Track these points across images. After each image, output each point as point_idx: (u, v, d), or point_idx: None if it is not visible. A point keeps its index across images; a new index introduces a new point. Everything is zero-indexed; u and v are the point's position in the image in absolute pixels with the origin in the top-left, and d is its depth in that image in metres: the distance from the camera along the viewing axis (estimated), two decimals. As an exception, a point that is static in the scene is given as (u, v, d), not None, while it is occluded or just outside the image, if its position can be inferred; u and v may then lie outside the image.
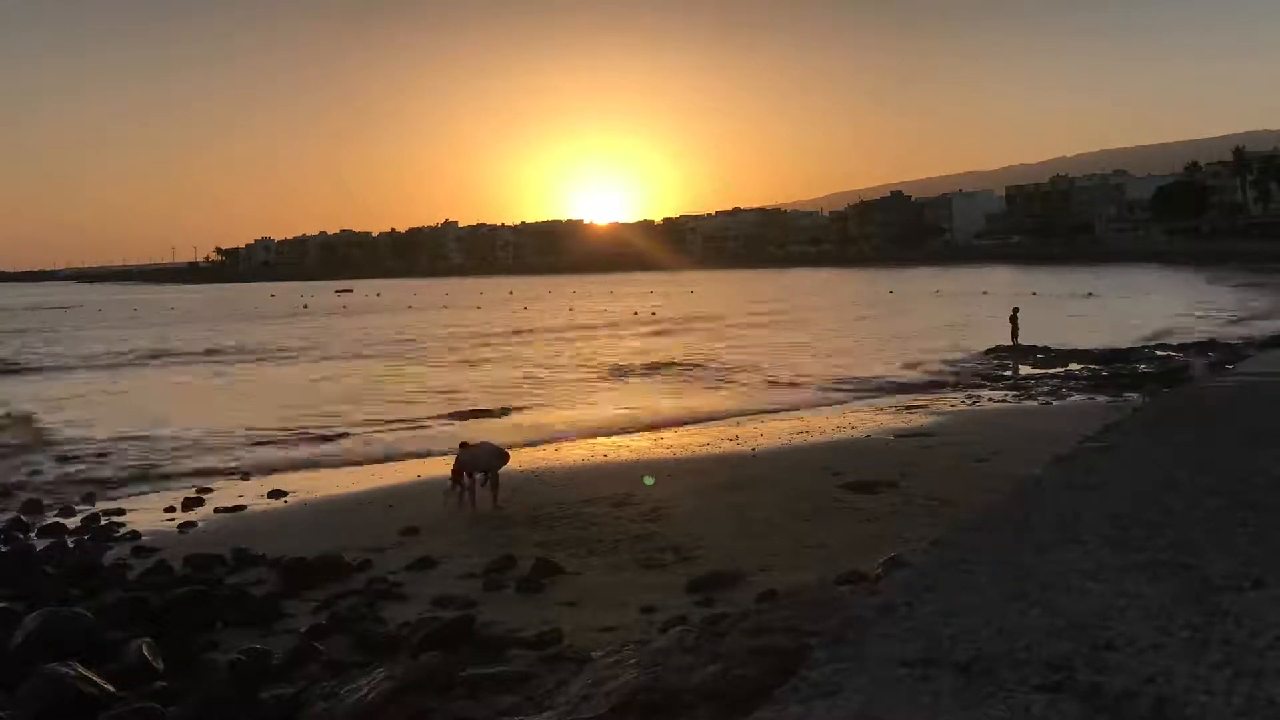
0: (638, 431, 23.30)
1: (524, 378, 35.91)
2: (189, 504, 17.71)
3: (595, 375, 36.28)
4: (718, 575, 11.33)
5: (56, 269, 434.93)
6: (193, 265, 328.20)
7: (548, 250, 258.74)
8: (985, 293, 72.08)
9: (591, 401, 29.67)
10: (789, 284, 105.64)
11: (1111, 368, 31.12)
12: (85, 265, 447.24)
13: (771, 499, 14.98)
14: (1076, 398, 25.74)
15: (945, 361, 35.22)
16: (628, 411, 26.70)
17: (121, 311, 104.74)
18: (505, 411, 27.74)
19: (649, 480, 16.97)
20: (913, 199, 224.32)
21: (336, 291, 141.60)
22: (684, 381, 33.79)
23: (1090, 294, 68.93)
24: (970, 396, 26.73)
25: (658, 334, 55.07)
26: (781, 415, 25.06)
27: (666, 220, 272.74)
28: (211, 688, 8.50)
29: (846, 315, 53.53)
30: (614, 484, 16.61)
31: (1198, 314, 51.60)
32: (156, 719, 8.17)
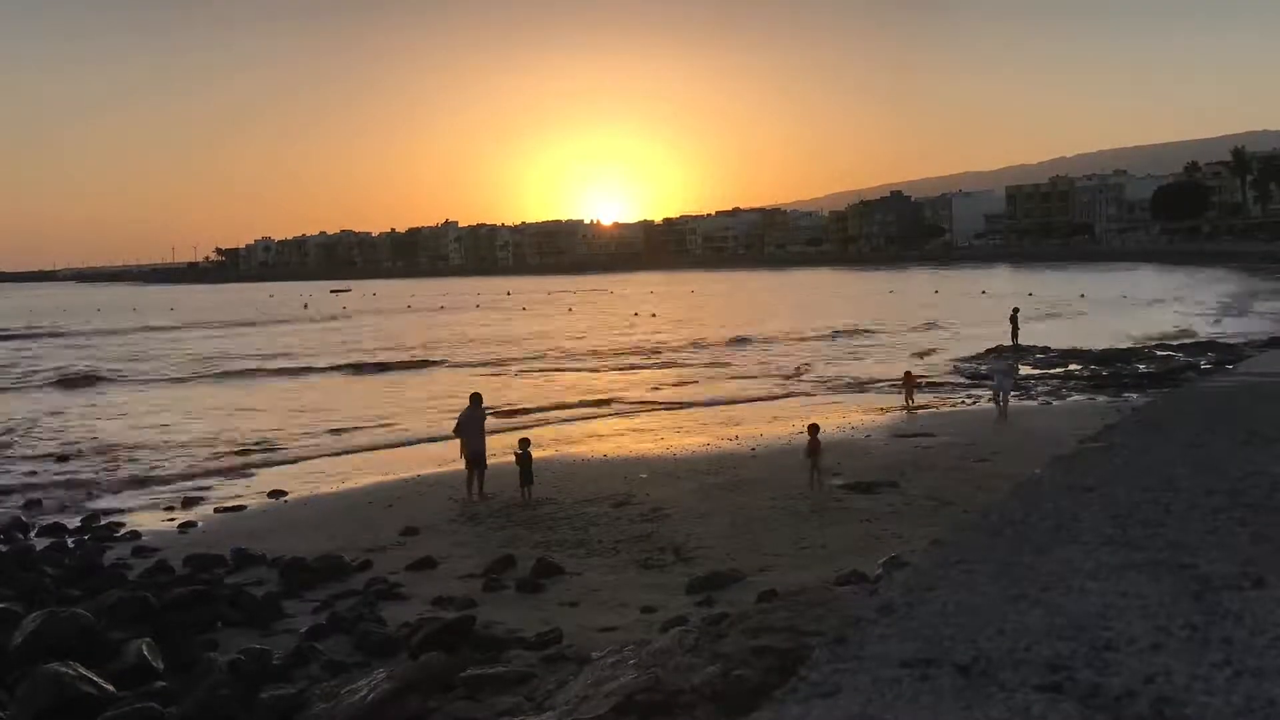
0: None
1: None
2: (189, 504, 17.74)
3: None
4: (718, 575, 11.33)
5: (56, 269, 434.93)
6: (192, 265, 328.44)
7: (547, 250, 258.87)
8: (984, 292, 71.93)
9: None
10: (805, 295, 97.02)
11: (1111, 368, 31.13)
12: (85, 265, 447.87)
13: (771, 499, 14.97)
14: (1076, 398, 25.73)
15: (945, 361, 35.31)
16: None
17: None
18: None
19: (643, 475, 17.00)
20: (913, 199, 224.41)
21: (332, 291, 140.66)
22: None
23: (1083, 295, 68.37)
24: (970, 396, 26.74)
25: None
26: (781, 415, 25.04)
27: (666, 220, 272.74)
28: (211, 688, 8.49)
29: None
30: (614, 484, 16.61)
31: (1197, 314, 51.60)
32: (156, 719, 8.17)
